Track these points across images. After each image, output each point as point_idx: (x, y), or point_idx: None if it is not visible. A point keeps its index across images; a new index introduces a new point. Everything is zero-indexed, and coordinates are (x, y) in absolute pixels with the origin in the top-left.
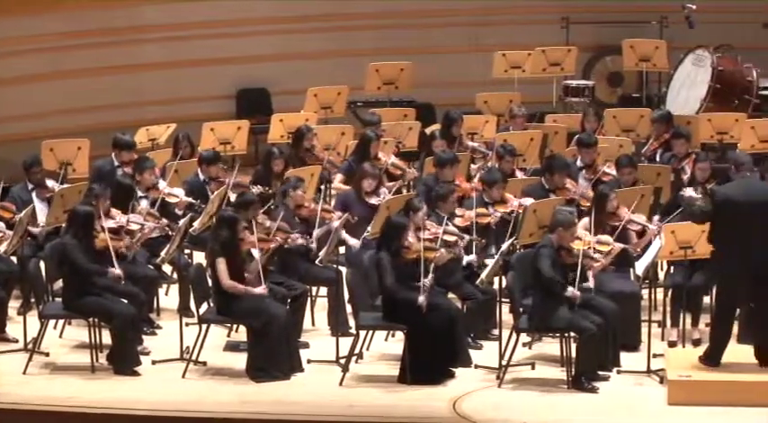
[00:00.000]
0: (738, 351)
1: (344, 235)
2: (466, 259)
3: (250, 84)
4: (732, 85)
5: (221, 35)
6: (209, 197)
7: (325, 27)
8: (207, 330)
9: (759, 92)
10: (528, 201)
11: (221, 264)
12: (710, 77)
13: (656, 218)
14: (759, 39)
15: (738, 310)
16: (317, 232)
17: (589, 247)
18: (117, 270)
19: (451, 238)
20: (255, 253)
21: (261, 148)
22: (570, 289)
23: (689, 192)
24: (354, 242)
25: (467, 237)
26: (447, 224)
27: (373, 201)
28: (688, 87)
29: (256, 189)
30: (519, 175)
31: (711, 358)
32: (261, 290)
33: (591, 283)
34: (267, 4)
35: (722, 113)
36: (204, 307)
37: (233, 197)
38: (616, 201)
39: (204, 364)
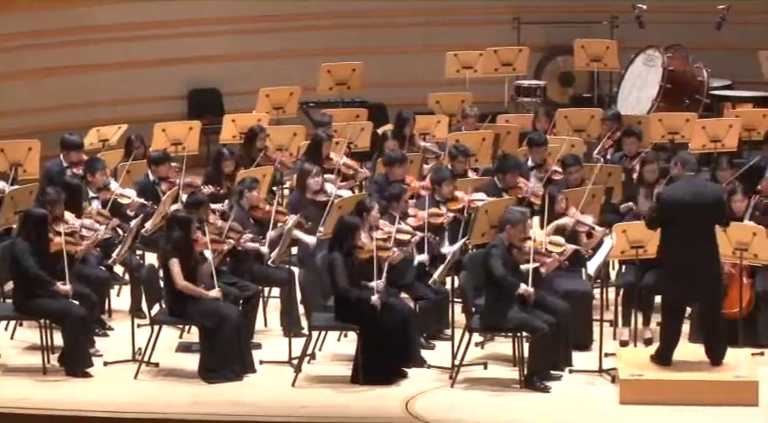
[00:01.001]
0: (690, 350)
1: (300, 234)
2: (417, 258)
3: (202, 84)
4: (683, 85)
5: (173, 35)
6: (161, 198)
7: (276, 27)
8: (159, 331)
9: (710, 92)
10: (479, 196)
11: (175, 265)
12: (661, 77)
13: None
14: (710, 39)
15: (690, 309)
16: (271, 234)
17: (541, 247)
18: (65, 286)
19: (405, 237)
20: (208, 254)
21: (213, 148)
22: (523, 286)
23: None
24: (311, 239)
25: (419, 234)
26: (399, 223)
27: (321, 198)
28: (639, 87)
29: (207, 189)
30: (471, 175)
31: (662, 357)
32: (215, 293)
33: (543, 275)
34: (219, 5)
35: (673, 113)
36: (156, 308)
37: (184, 197)
38: (564, 202)
39: (156, 365)
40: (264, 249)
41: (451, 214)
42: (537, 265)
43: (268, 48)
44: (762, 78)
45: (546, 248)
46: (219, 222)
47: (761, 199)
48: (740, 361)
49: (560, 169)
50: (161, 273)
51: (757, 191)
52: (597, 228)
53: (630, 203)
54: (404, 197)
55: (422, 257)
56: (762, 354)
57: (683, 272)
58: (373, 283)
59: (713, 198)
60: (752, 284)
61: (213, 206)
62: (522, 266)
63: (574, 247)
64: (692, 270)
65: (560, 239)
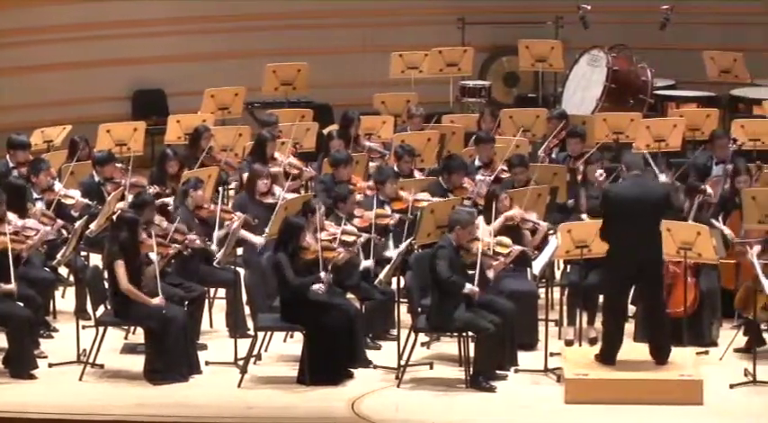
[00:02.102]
0: (635, 349)
1: (247, 234)
2: (363, 264)
3: (146, 85)
4: (627, 85)
5: (117, 36)
6: (105, 198)
7: (221, 28)
8: (104, 333)
9: (654, 92)
10: (423, 196)
11: (120, 267)
12: (606, 77)
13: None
14: (654, 39)
15: (634, 308)
16: (217, 234)
17: (488, 248)
18: (9, 286)
19: (350, 238)
20: (153, 256)
21: (157, 149)
22: (469, 286)
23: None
24: (258, 240)
25: (365, 235)
26: (345, 224)
27: (269, 200)
28: (583, 87)
29: (153, 190)
30: (417, 175)
31: (606, 357)
32: (158, 301)
33: (491, 279)
34: (163, 5)
35: (617, 113)
36: (101, 309)
37: (129, 198)
38: (508, 200)
39: (101, 366)
40: (214, 247)
41: (397, 216)
42: (480, 272)
43: (213, 48)
44: (705, 78)
45: (493, 250)
46: (165, 224)
47: (705, 199)
48: (685, 360)
49: (507, 169)
50: (106, 274)
51: (701, 191)
52: (541, 223)
53: (571, 201)
54: (351, 198)
55: (367, 263)
56: (706, 353)
57: (627, 270)
58: (322, 274)
59: (657, 197)
60: (696, 284)
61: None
62: (470, 272)
63: (520, 248)
64: (635, 269)
65: (507, 240)
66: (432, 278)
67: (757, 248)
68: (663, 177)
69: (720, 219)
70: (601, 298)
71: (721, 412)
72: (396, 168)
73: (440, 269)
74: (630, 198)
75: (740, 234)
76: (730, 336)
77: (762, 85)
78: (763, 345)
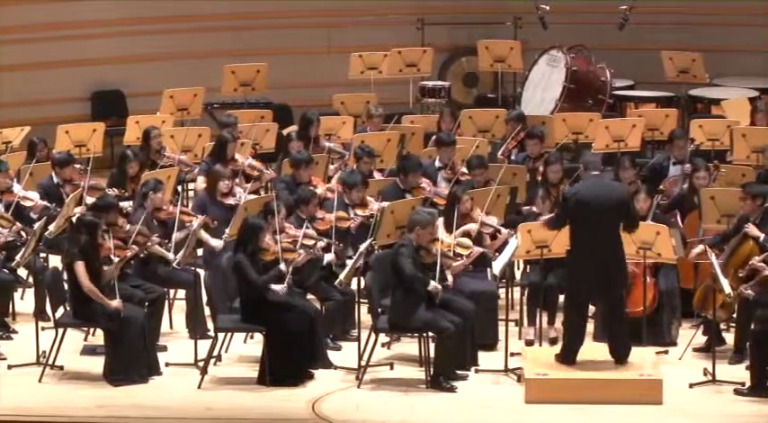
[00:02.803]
0: (595, 349)
1: (206, 236)
2: (326, 258)
3: (105, 86)
4: (586, 86)
5: (76, 37)
6: (64, 200)
7: (180, 28)
8: (63, 334)
9: (613, 92)
10: (387, 204)
11: (80, 266)
12: (565, 78)
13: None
14: (612, 39)
15: (594, 308)
16: (176, 235)
17: (449, 249)
18: None
19: (310, 242)
20: (114, 259)
21: (117, 150)
22: (432, 283)
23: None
24: (216, 243)
25: (325, 240)
26: (307, 227)
27: (230, 201)
28: (543, 88)
29: (112, 192)
30: (377, 175)
31: (566, 357)
32: (116, 303)
33: (450, 282)
34: (122, 6)
35: (577, 113)
36: (61, 311)
37: (88, 200)
38: (470, 202)
39: (61, 368)
40: (171, 256)
41: (359, 218)
42: (440, 272)
43: (172, 49)
44: (664, 78)
45: (453, 251)
46: (127, 226)
47: (663, 199)
48: (644, 359)
49: (466, 170)
50: (65, 275)
51: (660, 191)
52: (503, 230)
53: (534, 208)
54: (314, 201)
55: (329, 257)
56: (666, 352)
57: (588, 270)
58: (282, 265)
59: (618, 197)
60: (655, 283)
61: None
62: (429, 272)
63: (480, 249)
64: (596, 269)
65: (467, 242)
66: (395, 276)
67: (701, 247)
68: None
69: (679, 218)
70: (561, 298)
71: (681, 412)
72: (355, 169)
73: (404, 266)
74: (589, 199)
75: (698, 234)
76: (689, 335)
77: (720, 86)
78: (722, 344)
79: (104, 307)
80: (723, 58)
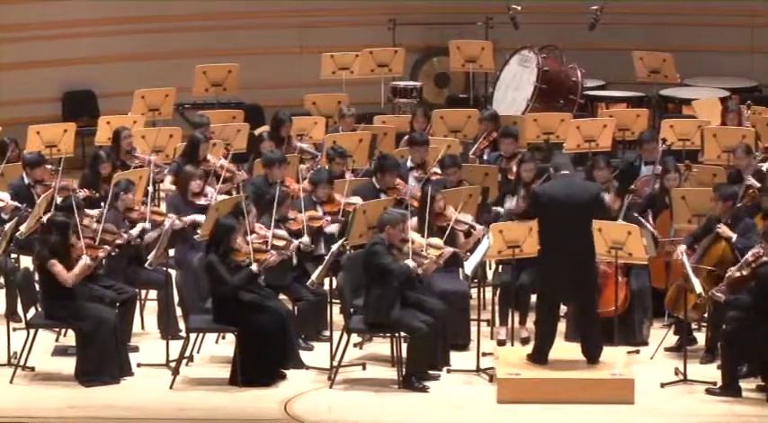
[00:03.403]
0: (567, 349)
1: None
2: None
3: (76, 86)
4: (557, 86)
5: (47, 37)
6: (35, 201)
7: (152, 29)
8: (35, 335)
9: (584, 92)
10: (355, 199)
11: (56, 266)
12: (536, 78)
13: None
14: (583, 39)
15: (566, 308)
16: (148, 235)
17: (421, 249)
18: None
19: (281, 243)
20: (87, 259)
21: (88, 150)
22: (409, 262)
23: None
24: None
25: (296, 242)
26: (280, 228)
27: (201, 202)
28: (514, 88)
29: (83, 193)
30: (349, 176)
31: (538, 356)
32: (86, 260)
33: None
34: (93, 6)
35: (548, 113)
36: (32, 311)
37: (59, 200)
38: (443, 201)
39: (32, 369)
40: (150, 257)
41: (329, 219)
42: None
43: (143, 49)
44: (635, 79)
45: (425, 251)
46: (95, 225)
47: (635, 198)
48: (616, 359)
49: (439, 170)
50: (37, 276)
51: (631, 190)
52: (477, 226)
53: (500, 208)
54: (286, 202)
55: (304, 239)
56: (637, 352)
57: (559, 270)
58: (254, 266)
59: (589, 197)
60: (627, 283)
61: (90, 212)
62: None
63: (452, 249)
64: (568, 269)
65: (439, 242)
66: (368, 276)
67: (683, 247)
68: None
69: (651, 218)
70: (533, 298)
71: (652, 411)
72: (328, 170)
73: (385, 261)
74: (561, 198)
75: (670, 234)
76: (661, 335)
77: (691, 86)
78: (693, 344)
79: (76, 307)
80: (694, 58)
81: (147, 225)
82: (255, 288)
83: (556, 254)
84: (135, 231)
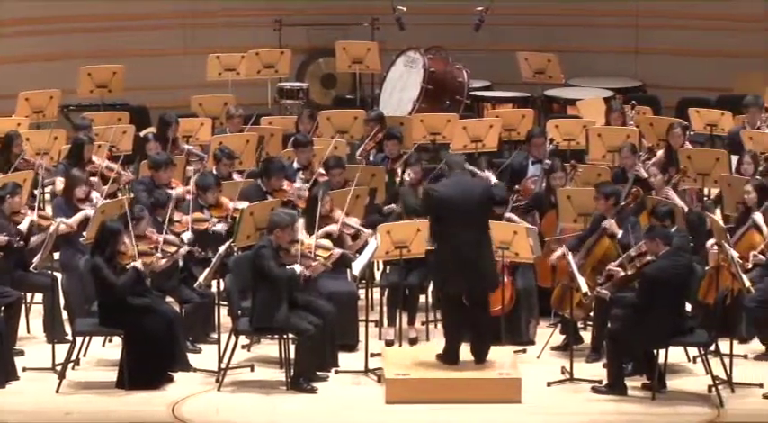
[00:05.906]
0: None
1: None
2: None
3: None
4: (443, 87)
5: None
6: None
7: (36, 30)
8: None
9: (470, 92)
10: (244, 205)
11: None
12: (422, 79)
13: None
14: (469, 40)
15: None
16: (34, 239)
17: (309, 251)
18: None
19: (171, 249)
20: None
21: None
22: (296, 266)
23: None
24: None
25: (187, 247)
26: (167, 232)
27: (86, 207)
28: (401, 89)
29: None
30: (236, 177)
31: (449, 356)
32: None
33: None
34: None
35: (434, 114)
36: None
37: None
38: (329, 203)
39: None
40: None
41: (216, 220)
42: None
43: (27, 51)
44: (520, 79)
45: (314, 253)
46: None
47: (519, 199)
48: (503, 358)
49: (324, 171)
50: None
51: (515, 191)
52: (364, 230)
53: (393, 205)
54: (169, 204)
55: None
56: (524, 351)
57: (455, 268)
58: (138, 262)
59: (480, 194)
60: (512, 282)
61: None
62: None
63: (341, 251)
64: (463, 266)
65: (328, 243)
66: (255, 278)
67: (561, 250)
68: (487, 174)
69: (537, 217)
70: (422, 298)
71: (539, 410)
72: (214, 171)
73: (269, 267)
74: (454, 197)
75: (555, 233)
76: (547, 334)
77: (575, 86)
78: (579, 343)
79: None
80: (578, 58)
81: (35, 217)
82: (142, 290)
83: (451, 252)
84: (23, 226)
